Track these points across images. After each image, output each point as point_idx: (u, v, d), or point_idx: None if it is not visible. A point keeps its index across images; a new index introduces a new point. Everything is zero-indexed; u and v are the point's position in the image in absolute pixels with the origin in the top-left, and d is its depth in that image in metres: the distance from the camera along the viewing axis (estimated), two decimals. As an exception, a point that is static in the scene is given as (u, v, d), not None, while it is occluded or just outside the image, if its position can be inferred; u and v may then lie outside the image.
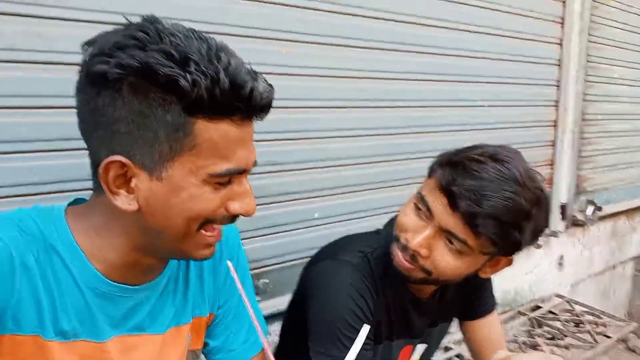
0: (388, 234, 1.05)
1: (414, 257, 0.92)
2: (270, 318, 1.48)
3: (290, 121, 1.53)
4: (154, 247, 0.72)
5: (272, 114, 1.43)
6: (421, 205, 0.93)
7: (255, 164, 0.72)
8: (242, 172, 0.69)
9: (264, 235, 1.52)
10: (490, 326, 1.21)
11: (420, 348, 1.18)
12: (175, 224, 0.68)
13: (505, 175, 0.87)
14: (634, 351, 3.05)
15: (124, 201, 0.67)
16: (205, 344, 0.93)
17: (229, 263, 0.73)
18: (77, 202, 0.78)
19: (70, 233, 0.72)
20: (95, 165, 0.67)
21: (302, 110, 1.56)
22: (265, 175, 1.50)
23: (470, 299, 1.21)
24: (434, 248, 0.91)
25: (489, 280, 1.23)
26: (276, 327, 1.38)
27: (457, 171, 0.88)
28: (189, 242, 0.71)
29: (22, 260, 0.67)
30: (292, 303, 1.16)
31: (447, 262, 0.91)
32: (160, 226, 0.69)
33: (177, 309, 0.85)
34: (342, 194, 1.70)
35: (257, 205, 1.46)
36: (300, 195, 1.59)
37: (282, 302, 1.49)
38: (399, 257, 0.95)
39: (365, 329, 0.73)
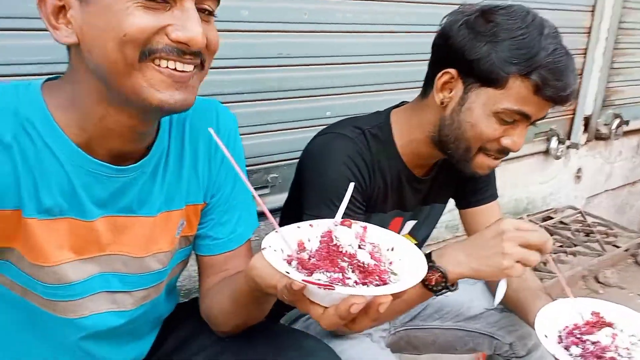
0: (387, 114, 1.12)
1: (505, 152, 1.02)
2: (277, 211, 1.52)
3: (304, 11, 1.47)
4: (112, 94, 0.68)
5: (284, 3, 1.40)
6: (514, 116, 0.97)
7: None
8: None
9: (275, 131, 1.52)
10: (489, 215, 1.23)
11: (410, 224, 1.22)
12: (111, 53, 0.64)
13: (560, 37, 0.96)
14: (642, 265, 3.11)
15: (63, 35, 0.66)
16: None
17: (211, 130, 0.69)
18: (57, 78, 0.76)
19: (46, 107, 0.70)
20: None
21: (319, 1, 1.49)
22: (279, 68, 1.46)
23: (467, 185, 1.23)
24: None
25: None
26: (285, 220, 1.42)
27: (552, 74, 0.92)
28: (136, 77, 0.65)
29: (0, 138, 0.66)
30: (292, 184, 1.19)
31: (523, 141, 1.01)
32: (101, 61, 0.65)
33: (169, 193, 0.84)
34: (357, 93, 1.66)
35: (269, 99, 1.47)
36: (313, 92, 1.56)
37: (290, 197, 1.53)
38: (489, 162, 1.03)
39: (351, 186, 0.75)
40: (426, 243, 1.39)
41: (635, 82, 2.88)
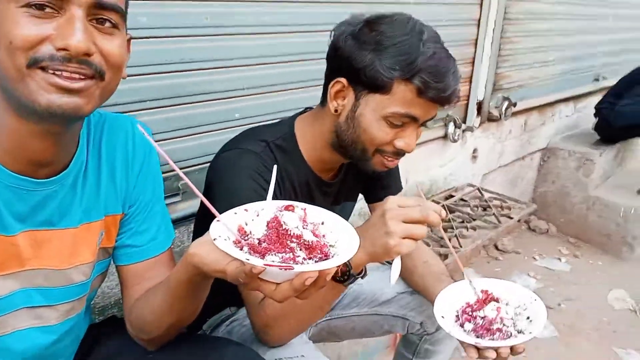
0: (291, 123, 1.14)
1: (400, 154, 1.07)
2: (189, 217, 1.52)
3: (205, 15, 1.46)
4: (12, 101, 0.70)
5: (183, 8, 1.38)
6: (402, 120, 1.02)
7: (98, 5, 0.68)
8: None
9: (183, 137, 1.50)
10: None
11: None
12: (3, 59, 0.66)
13: (441, 41, 1.03)
14: (534, 230, 3.45)
15: None
16: None
17: (139, 126, 0.72)
18: None
19: None
20: None
21: (219, 4, 1.48)
22: (181, 73, 1.44)
23: (374, 181, 1.31)
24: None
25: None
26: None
27: (432, 77, 0.97)
28: (27, 82, 0.67)
29: None
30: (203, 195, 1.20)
31: (419, 136, 1.08)
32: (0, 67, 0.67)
33: (88, 205, 0.86)
34: (263, 93, 1.68)
35: (175, 105, 1.45)
36: (220, 95, 1.56)
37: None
38: (386, 162, 1.08)
39: (275, 169, 0.80)
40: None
41: (520, 66, 3.10)
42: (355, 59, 1.00)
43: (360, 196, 1.38)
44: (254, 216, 0.73)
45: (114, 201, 0.90)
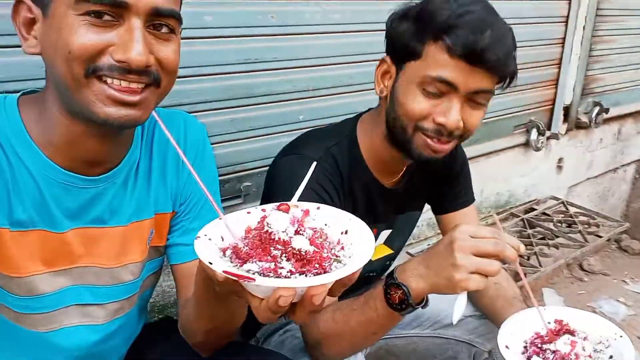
0: (353, 123, 1.08)
1: (451, 134, 0.94)
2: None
3: (271, 14, 1.42)
4: (69, 105, 0.71)
5: (249, 6, 1.35)
6: (437, 86, 0.92)
7: (157, 12, 0.67)
8: (121, 5, 0.65)
9: (247, 138, 1.48)
10: (464, 220, 1.20)
11: (385, 233, 1.19)
12: (60, 68, 0.66)
13: (494, 11, 0.93)
14: (625, 251, 3.12)
15: (29, 45, 0.70)
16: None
17: (154, 113, 0.69)
18: (34, 92, 0.78)
19: (21, 121, 0.73)
20: None
21: (286, 2, 1.44)
22: (247, 74, 1.42)
23: (441, 190, 1.21)
24: (465, 116, 0.93)
25: (463, 173, 1.22)
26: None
27: (464, 31, 0.88)
28: (85, 92, 0.67)
29: None
30: (262, 201, 1.16)
31: (476, 119, 0.96)
32: (55, 74, 0.68)
33: (139, 203, 0.85)
34: (329, 95, 1.62)
35: (239, 106, 1.43)
36: (285, 96, 1.52)
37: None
38: (430, 143, 0.95)
39: (313, 166, 0.71)
40: (408, 241, 1.37)
41: (615, 69, 2.85)
42: (394, 31, 0.97)
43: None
44: None
45: (164, 199, 0.89)
